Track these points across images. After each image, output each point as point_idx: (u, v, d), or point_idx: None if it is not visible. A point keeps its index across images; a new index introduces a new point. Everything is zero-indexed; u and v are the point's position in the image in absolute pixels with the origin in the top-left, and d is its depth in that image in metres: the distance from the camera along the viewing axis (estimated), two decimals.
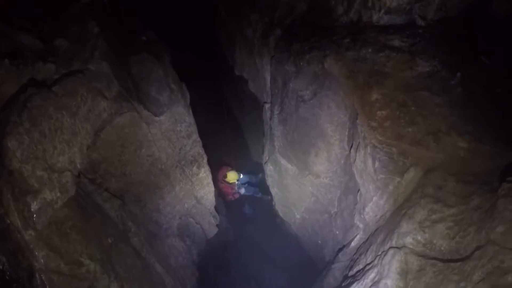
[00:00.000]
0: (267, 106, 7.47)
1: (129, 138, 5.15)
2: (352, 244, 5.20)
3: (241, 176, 6.72)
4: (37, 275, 3.16)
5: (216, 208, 7.47)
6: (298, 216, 7.28)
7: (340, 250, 5.56)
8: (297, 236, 7.67)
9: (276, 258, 8.41)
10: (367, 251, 4.48)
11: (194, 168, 6.47)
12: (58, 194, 3.44)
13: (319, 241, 6.89)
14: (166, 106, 5.63)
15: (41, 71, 3.93)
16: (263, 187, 6.83)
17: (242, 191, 6.79)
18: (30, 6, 4.59)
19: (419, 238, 3.58)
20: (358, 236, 5.12)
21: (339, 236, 5.98)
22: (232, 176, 6.65)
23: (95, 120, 4.15)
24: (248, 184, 7.13)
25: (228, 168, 6.73)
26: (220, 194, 6.92)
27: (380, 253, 3.91)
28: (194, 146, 6.34)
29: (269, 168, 7.71)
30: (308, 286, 6.25)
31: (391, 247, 3.70)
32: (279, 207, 7.90)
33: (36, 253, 3.20)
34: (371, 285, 3.64)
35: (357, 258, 4.75)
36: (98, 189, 4.92)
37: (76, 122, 3.81)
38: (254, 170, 7.27)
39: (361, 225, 5.10)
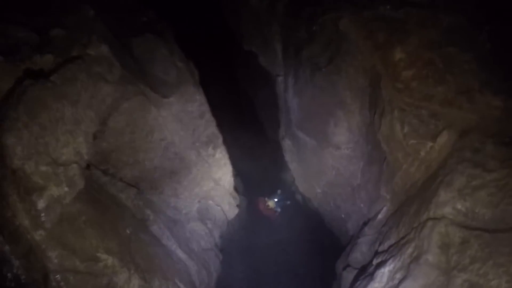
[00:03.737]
0: (280, 79, 7.14)
1: (139, 123, 4.92)
2: (379, 216, 4.94)
3: (276, 200, 8.63)
4: (51, 277, 3.01)
5: (235, 188, 7.28)
6: (319, 191, 7.05)
7: (365, 223, 5.32)
8: (318, 211, 7.48)
9: (298, 235, 8.26)
10: (398, 223, 4.21)
11: (210, 149, 6.23)
12: (66, 189, 3.24)
13: (342, 215, 6.66)
14: (175, 86, 5.35)
15: (39, 63, 3.74)
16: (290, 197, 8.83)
17: (279, 210, 8.64)
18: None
19: (459, 207, 3.28)
20: (385, 208, 4.86)
21: (364, 209, 5.73)
22: (272, 203, 8.54)
23: (99, 106, 3.91)
24: (281, 200, 8.85)
25: (264, 199, 8.59)
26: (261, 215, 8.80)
27: (416, 225, 3.62)
28: (208, 126, 6.07)
29: (287, 143, 7.46)
30: (332, 263, 6.05)
31: (429, 219, 3.41)
32: (299, 183, 7.70)
33: (49, 253, 3.04)
34: (410, 262, 3.37)
35: (387, 231, 4.49)
36: (112, 180, 4.74)
37: (78, 110, 3.57)
38: (282, 190, 8.94)
39: (388, 196, 4.82)
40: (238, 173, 8.30)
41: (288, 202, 8.80)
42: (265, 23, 6.79)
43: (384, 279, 3.65)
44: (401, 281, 3.37)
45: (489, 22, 4.26)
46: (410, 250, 3.50)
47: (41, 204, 3.01)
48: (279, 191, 8.77)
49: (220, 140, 6.52)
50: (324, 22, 5.09)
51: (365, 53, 4.69)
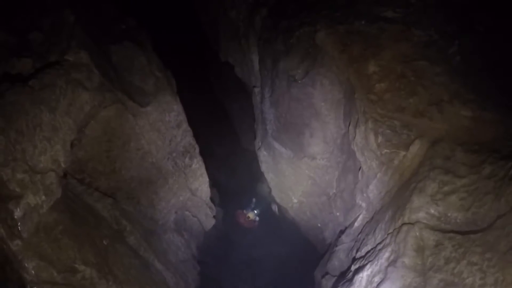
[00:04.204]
0: (256, 90, 7.21)
1: (116, 132, 4.85)
2: (356, 224, 5.04)
3: (256, 212, 8.71)
4: None
5: (211, 199, 7.25)
6: (295, 201, 7.10)
7: (342, 231, 5.40)
8: (295, 220, 7.53)
9: (275, 244, 8.29)
10: (374, 230, 4.31)
11: (186, 159, 6.20)
12: (43, 198, 3.15)
13: (319, 224, 6.74)
14: (152, 95, 5.33)
15: (16, 67, 3.65)
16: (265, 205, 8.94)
17: (257, 219, 8.73)
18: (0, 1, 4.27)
19: (432, 211, 3.41)
20: (361, 216, 4.95)
21: (340, 217, 5.83)
22: (252, 215, 8.61)
23: (77, 114, 3.83)
24: (258, 208, 8.96)
25: (243, 211, 8.63)
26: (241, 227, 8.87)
27: (391, 230, 3.73)
28: (185, 136, 6.06)
29: (262, 154, 7.49)
30: (311, 271, 6.10)
31: (404, 224, 3.52)
32: (275, 193, 7.71)
33: (26, 264, 2.93)
34: (388, 266, 3.47)
35: (364, 238, 4.58)
36: (88, 189, 4.63)
37: (56, 117, 3.49)
38: (257, 199, 9.01)
39: (363, 204, 4.94)
40: (214, 184, 8.29)
41: (261, 209, 8.86)
42: (243, 35, 6.88)
43: (363, 284, 3.73)
44: (379, 284, 3.46)
45: (458, 36, 4.49)
46: (387, 254, 3.61)
47: (18, 213, 2.91)
48: (253, 199, 8.81)
49: (197, 150, 6.51)
50: (300, 35, 5.21)
51: (340, 66, 4.83)
